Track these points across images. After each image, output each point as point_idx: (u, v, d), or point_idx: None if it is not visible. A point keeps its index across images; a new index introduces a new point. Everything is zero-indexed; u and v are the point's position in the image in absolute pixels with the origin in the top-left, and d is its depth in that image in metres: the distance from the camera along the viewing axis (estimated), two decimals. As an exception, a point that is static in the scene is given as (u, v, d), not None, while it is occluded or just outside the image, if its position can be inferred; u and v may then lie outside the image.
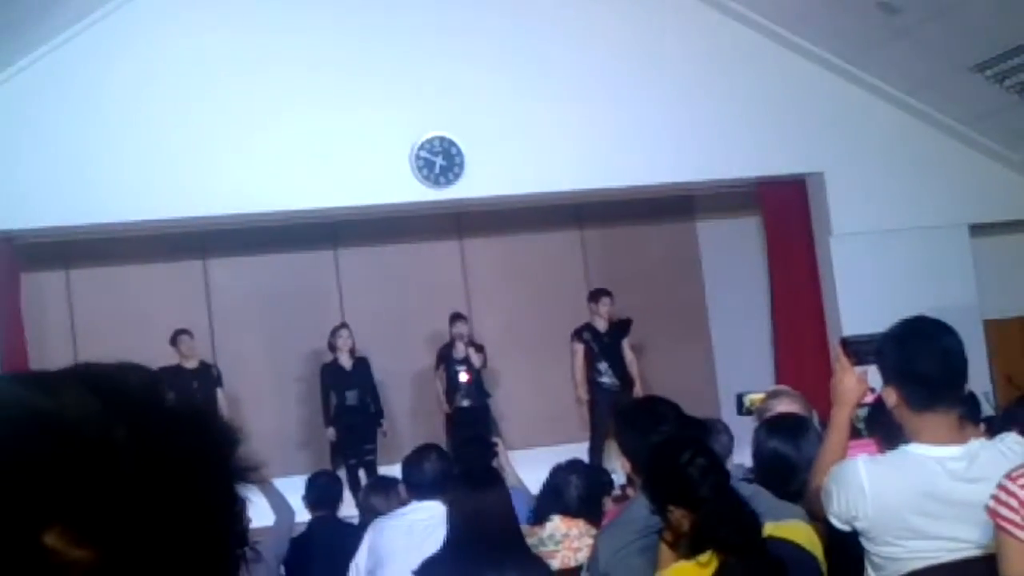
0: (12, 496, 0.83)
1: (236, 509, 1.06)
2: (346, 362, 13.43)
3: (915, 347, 3.84)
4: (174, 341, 12.90)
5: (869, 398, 4.54)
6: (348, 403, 13.33)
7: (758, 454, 5.29)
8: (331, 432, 13.32)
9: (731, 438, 6.38)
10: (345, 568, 6.67)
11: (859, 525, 3.82)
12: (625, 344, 13.65)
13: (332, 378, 13.43)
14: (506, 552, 5.30)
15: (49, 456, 0.86)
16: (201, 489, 0.98)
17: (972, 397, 5.46)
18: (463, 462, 7.36)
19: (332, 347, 13.45)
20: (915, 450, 3.81)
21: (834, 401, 4.28)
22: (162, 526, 0.90)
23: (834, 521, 3.88)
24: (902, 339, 3.89)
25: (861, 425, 5.42)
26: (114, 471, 0.89)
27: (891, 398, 3.87)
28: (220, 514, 1.02)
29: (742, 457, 7.01)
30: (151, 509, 0.90)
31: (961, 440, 3.81)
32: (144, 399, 0.99)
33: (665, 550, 3.90)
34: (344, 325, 13.58)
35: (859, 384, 4.25)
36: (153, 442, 0.94)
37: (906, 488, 3.76)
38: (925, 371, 3.79)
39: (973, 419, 4.41)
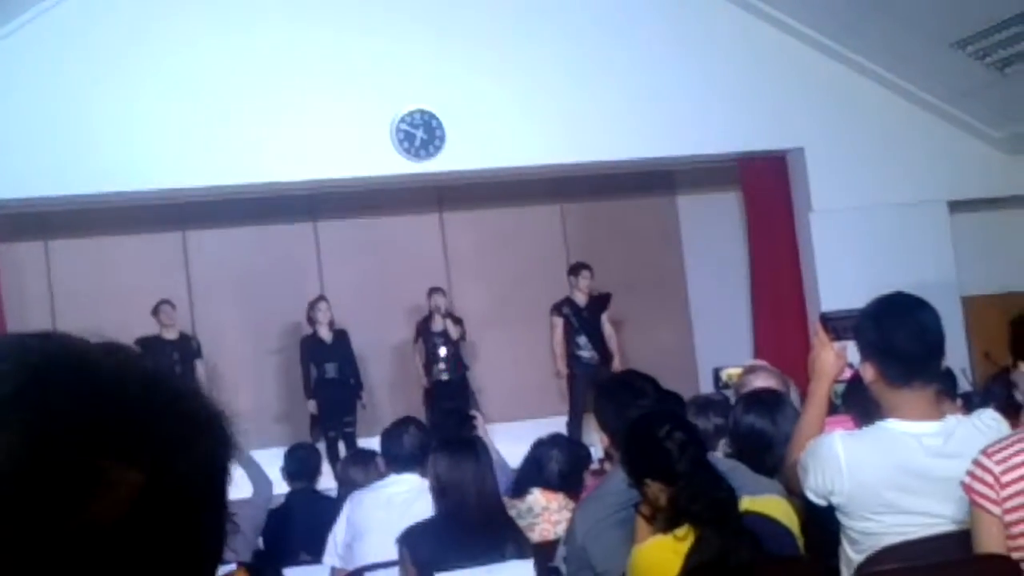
0: (76, 429, 1.03)
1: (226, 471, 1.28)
2: (325, 335, 13.42)
3: (892, 323, 3.85)
4: (155, 311, 12.88)
5: (847, 374, 4.56)
6: (327, 376, 13.33)
7: (735, 429, 5.31)
8: (312, 404, 13.32)
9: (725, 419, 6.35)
10: (323, 540, 6.68)
11: (835, 500, 3.84)
12: (604, 318, 13.67)
13: (311, 351, 13.42)
14: (490, 522, 5.33)
15: (104, 400, 1.08)
16: (213, 442, 1.24)
17: (949, 373, 5.48)
18: (446, 431, 7.38)
19: (311, 320, 13.44)
20: (892, 425, 3.83)
21: (812, 376, 4.30)
22: (191, 463, 1.14)
23: (811, 496, 3.90)
24: (879, 315, 3.90)
25: (838, 401, 5.44)
26: (155, 414, 1.12)
27: (868, 373, 3.88)
28: (222, 472, 1.26)
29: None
30: (183, 449, 1.13)
31: (938, 416, 3.82)
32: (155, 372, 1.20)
33: (642, 524, 3.91)
34: (322, 298, 13.56)
35: (837, 359, 4.27)
36: (172, 398, 1.18)
37: (882, 463, 3.77)
38: (902, 347, 3.80)
39: (950, 395, 4.43)
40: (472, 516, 5.31)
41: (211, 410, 1.27)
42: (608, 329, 13.68)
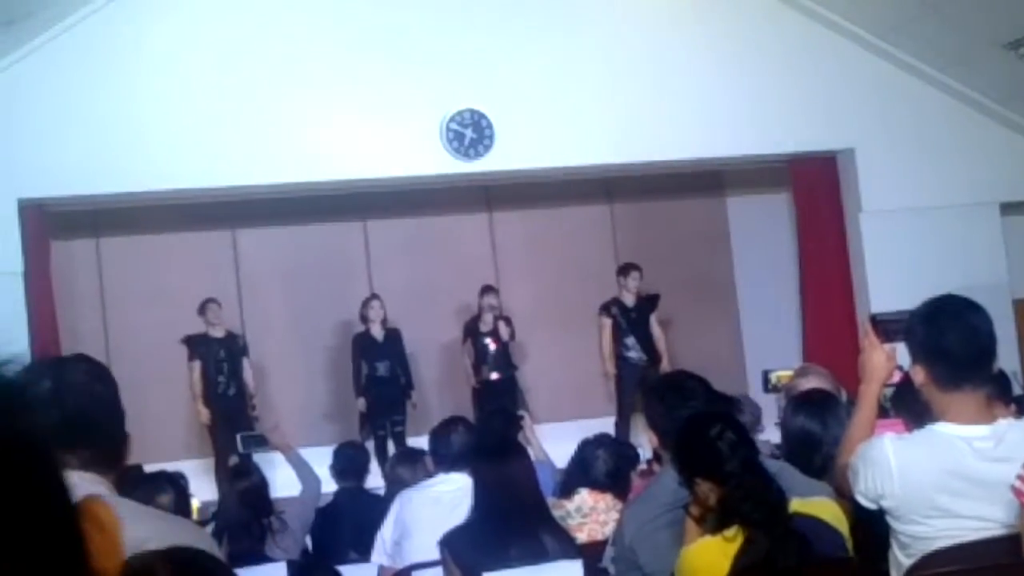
0: None
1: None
2: (378, 333, 13.45)
3: (943, 325, 3.84)
4: (202, 310, 12.94)
5: (896, 376, 4.53)
6: (378, 374, 13.35)
7: (785, 430, 5.30)
8: (361, 402, 13.36)
9: (757, 417, 6.38)
10: (371, 538, 6.71)
11: (885, 504, 3.82)
12: (653, 319, 13.65)
13: (363, 349, 13.45)
14: (531, 523, 5.33)
15: None
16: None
17: (1002, 376, 5.44)
18: (487, 434, 7.39)
19: (363, 318, 13.47)
20: (942, 429, 3.81)
21: (862, 378, 4.28)
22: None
23: (861, 499, 3.88)
24: (930, 317, 3.88)
25: (888, 404, 5.41)
26: None
27: (919, 376, 3.86)
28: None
29: (767, 433, 7.02)
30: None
31: (989, 419, 3.80)
32: None
33: (691, 525, 3.91)
34: (375, 296, 13.59)
35: (888, 361, 4.25)
36: None
37: (933, 467, 3.75)
38: (952, 349, 3.78)
39: (1003, 398, 4.40)
40: (511, 517, 5.32)
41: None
42: (656, 330, 13.66)
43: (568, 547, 5.38)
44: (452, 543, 5.35)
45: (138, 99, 12.00)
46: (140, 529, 2.50)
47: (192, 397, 12.89)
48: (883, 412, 4.82)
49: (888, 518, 3.87)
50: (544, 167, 13.18)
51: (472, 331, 13.61)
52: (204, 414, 12.79)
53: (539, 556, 5.22)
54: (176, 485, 5.62)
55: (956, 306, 3.89)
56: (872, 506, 3.86)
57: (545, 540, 5.30)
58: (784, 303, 14.68)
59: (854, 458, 3.93)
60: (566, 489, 6.56)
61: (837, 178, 13.95)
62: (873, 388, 4.23)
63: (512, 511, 5.32)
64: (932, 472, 3.74)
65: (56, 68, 11.91)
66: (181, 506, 5.61)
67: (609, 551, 4.53)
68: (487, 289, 13.64)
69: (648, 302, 13.66)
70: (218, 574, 2.37)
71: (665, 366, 13.11)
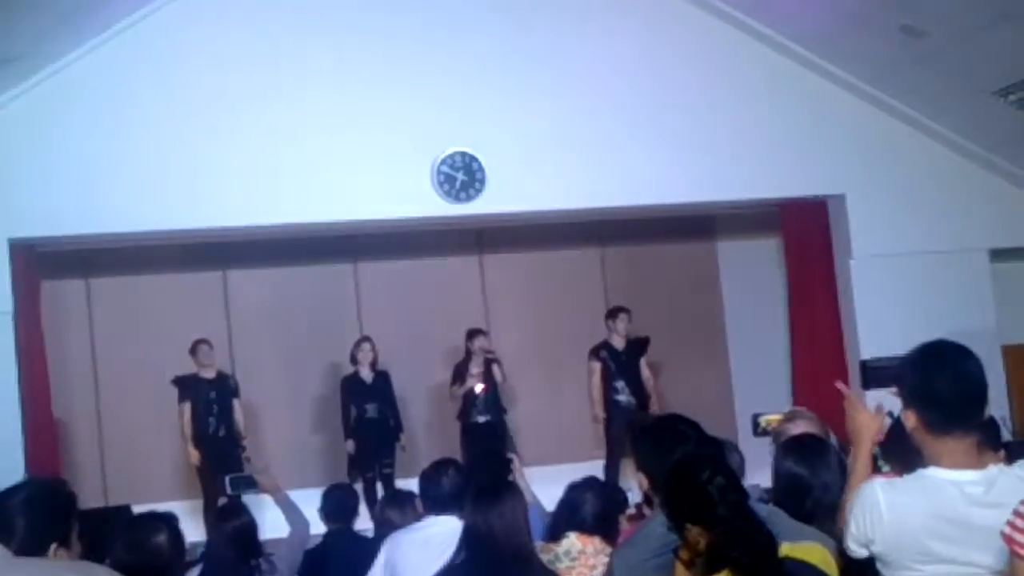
0: None
1: None
2: (367, 375, 13.46)
3: (934, 370, 3.84)
4: (193, 350, 12.93)
5: (887, 422, 4.54)
6: (367, 416, 13.35)
7: (775, 475, 5.29)
8: (350, 444, 13.34)
9: (742, 459, 6.35)
10: (360, 581, 6.68)
11: (875, 549, 3.81)
12: (643, 362, 13.67)
13: (352, 391, 13.45)
14: (517, 566, 5.32)
15: None
16: None
17: (992, 422, 5.45)
18: (477, 476, 7.37)
19: (353, 359, 13.47)
20: (933, 473, 3.80)
21: (852, 441, 4.31)
22: None
23: (852, 546, 3.87)
24: (921, 362, 3.89)
25: (881, 462, 5.40)
26: None
27: (910, 421, 3.86)
28: None
29: (757, 478, 7.01)
30: None
31: (979, 465, 3.80)
32: None
33: (681, 569, 3.90)
34: (367, 338, 13.60)
35: (873, 421, 4.29)
36: None
37: (923, 511, 3.75)
38: (944, 394, 3.78)
39: (992, 445, 4.40)
40: (501, 560, 5.31)
41: None
42: (646, 372, 13.68)
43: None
44: (442, 584, 5.34)
45: (129, 140, 12.02)
46: None
47: (183, 438, 12.87)
48: (876, 469, 4.81)
49: (878, 564, 3.86)
50: (535, 210, 13.21)
51: (461, 375, 13.60)
52: (194, 455, 12.76)
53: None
54: (170, 524, 5.60)
55: (947, 351, 3.90)
56: (863, 552, 3.85)
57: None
58: (774, 347, 14.70)
59: (847, 507, 3.93)
60: (554, 532, 6.53)
61: (827, 223, 13.99)
62: (864, 450, 4.26)
63: (496, 554, 5.31)
64: (923, 516, 3.74)
65: (47, 109, 11.94)
66: (176, 545, 5.58)
67: (598, 595, 4.52)
68: (475, 332, 13.65)
69: (638, 345, 13.68)
70: None
71: (655, 409, 13.12)
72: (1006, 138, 13.47)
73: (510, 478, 7.69)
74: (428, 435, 14.45)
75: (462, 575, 5.34)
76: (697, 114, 13.29)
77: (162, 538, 5.52)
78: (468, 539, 5.42)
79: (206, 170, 12.18)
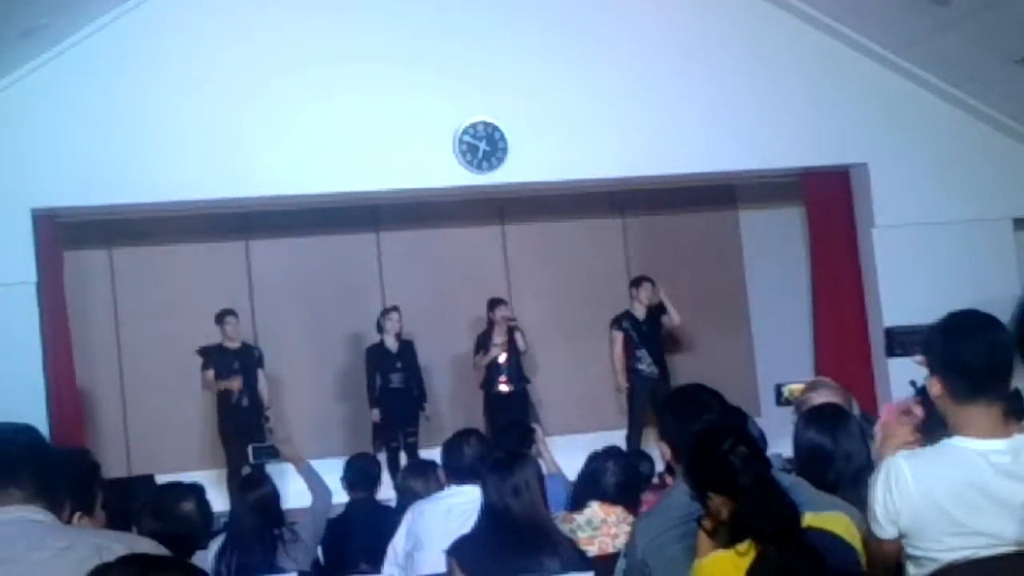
0: None
1: None
2: (392, 344, 13.46)
3: (962, 338, 3.83)
4: (220, 320, 12.94)
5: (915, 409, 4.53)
6: (392, 385, 13.36)
7: (796, 445, 5.29)
8: (375, 413, 13.35)
9: (760, 432, 6.33)
10: (383, 550, 6.71)
11: (903, 523, 3.79)
12: (665, 320, 13.67)
13: (377, 360, 13.46)
14: (534, 535, 5.34)
15: None
16: None
17: (1017, 393, 5.43)
18: (500, 447, 7.39)
19: (380, 328, 13.47)
20: (958, 443, 3.79)
21: (881, 442, 4.33)
22: None
23: (880, 525, 3.84)
24: (950, 330, 3.88)
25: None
26: None
27: (935, 388, 3.86)
28: None
29: (780, 447, 7.00)
30: None
31: (1005, 434, 3.79)
32: None
33: (704, 538, 3.89)
34: (395, 308, 13.60)
35: (903, 429, 4.34)
36: None
37: (948, 479, 3.73)
38: (969, 362, 3.77)
39: (1017, 416, 4.38)
40: (519, 529, 5.33)
41: None
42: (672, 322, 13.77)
43: (579, 560, 5.38)
44: (459, 552, 5.36)
45: (151, 110, 12.02)
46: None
47: (208, 391, 12.94)
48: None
49: (904, 542, 3.85)
50: (557, 180, 13.20)
51: (484, 345, 13.60)
52: (221, 384, 12.81)
53: (541, 567, 5.22)
54: (198, 494, 5.63)
55: (977, 320, 3.89)
56: (892, 530, 3.83)
57: (549, 552, 5.31)
58: (796, 316, 14.65)
59: (871, 484, 3.92)
60: (577, 502, 6.55)
61: (850, 192, 13.93)
62: (890, 450, 4.25)
63: (514, 523, 5.33)
64: (948, 484, 3.73)
65: (69, 79, 11.94)
66: (204, 514, 5.62)
67: (620, 564, 4.51)
68: (496, 302, 13.65)
69: (659, 310, 13.66)
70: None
71: (674, 322, 13.48)
72: (1031, 107, 13.41)
73: (533, 448, 7.72)
74: (451, 404, 14.45)
75: (479, 544, 5.36)
76: (720, 83, 13.24)
77: (191, 507, 5.55)
78: (486, 509, 5.45)
79: (229, 140, 12.19)
